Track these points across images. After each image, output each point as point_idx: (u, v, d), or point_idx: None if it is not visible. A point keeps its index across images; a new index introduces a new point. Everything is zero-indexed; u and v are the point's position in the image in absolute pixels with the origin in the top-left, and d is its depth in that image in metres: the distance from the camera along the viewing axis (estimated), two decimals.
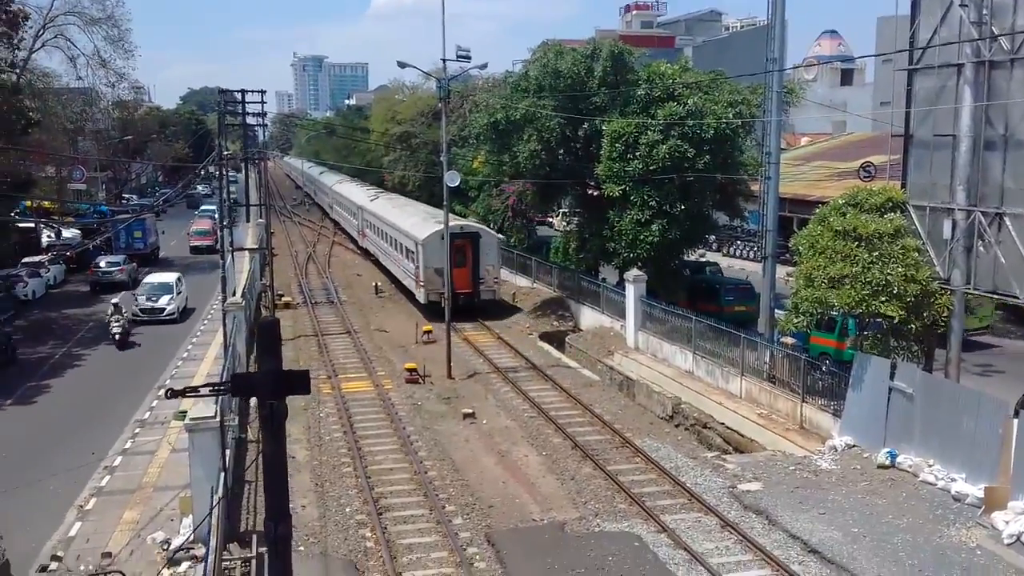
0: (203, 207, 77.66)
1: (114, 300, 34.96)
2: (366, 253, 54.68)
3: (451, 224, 33.22)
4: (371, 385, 27.75)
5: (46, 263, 45.88)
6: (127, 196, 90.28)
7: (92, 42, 55.18)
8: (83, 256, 50.55)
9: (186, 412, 18.31)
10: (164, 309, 37.75)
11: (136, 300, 38.11)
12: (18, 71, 46.68)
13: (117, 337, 33.12)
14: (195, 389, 7.11)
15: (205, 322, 37.44)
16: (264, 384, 6.84)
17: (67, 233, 59.41)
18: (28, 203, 54.97)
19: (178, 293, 39.01)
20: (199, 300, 41.44)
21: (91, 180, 76.60)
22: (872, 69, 76.12)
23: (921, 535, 16.06)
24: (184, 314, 38.94)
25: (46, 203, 57.62)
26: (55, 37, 53.24)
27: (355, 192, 63.00)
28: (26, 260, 46.00)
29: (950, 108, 20.67)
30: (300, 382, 7.09)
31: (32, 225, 54.57)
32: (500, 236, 40.95)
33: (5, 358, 30.78)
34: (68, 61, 54.52)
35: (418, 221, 41.05)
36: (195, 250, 58.36)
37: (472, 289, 36.98)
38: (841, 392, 20.99)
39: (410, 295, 40.04)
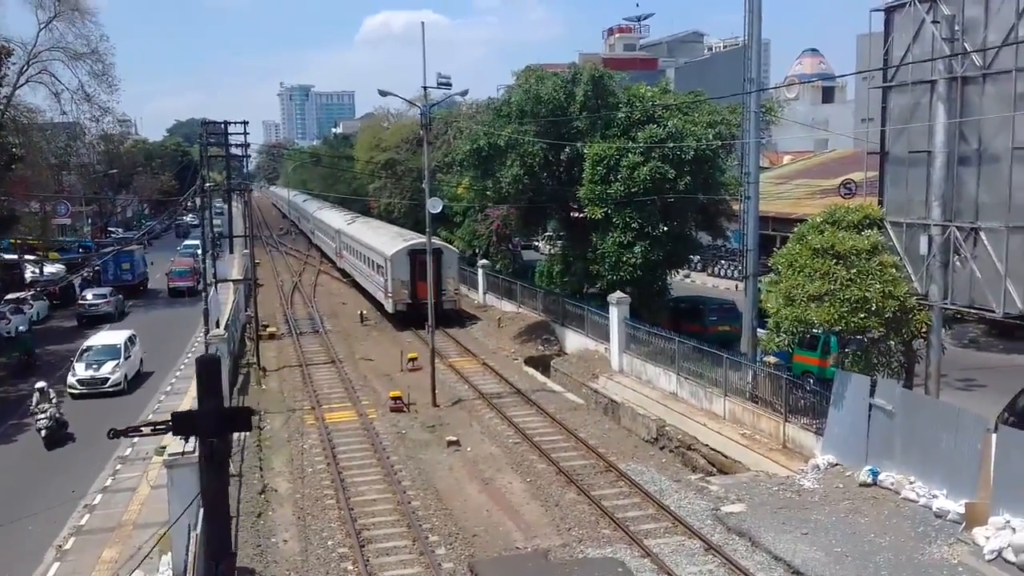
0: (186, 243, 74.08)
1: (39, 384, 26.24)
2: (344, 273, 58.95)
3: (415, 241, 41.14)
4: (355, 415, 27.60)
5: (29, 299, 45.63)
6: (113, 229, 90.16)
7: (76, 77, 55.29)
8: (67, 291, 50.42)
9: (166, 447, 18.18)
10: (107, 379, 30.90)
11: (74, 369, 31.37)
12: (1, 107, 46.69)
13: (43, 433, 25.33)
14: (137, 428, 7.09)
15: (172, 383, 32.22)
16: (205, 422, 6.81)
17: (51, 268, 59.23)
18: (12, 240, 54.77)
19: (126, 358, 32.06)
20: (167, 352, 36.40)
21: (76, 214, 76.57)
22: (853, 87, 76.81)
23: (904, 553, 15.99)
24: (136, 381, 32.56)
25: (30, 239, 57.35)
26: (39, 73, 53.27)
27: (334, 217, 66.77)
28: (9, 296, 45.79)
29: (924, 125, 20.82)
30: (241, 420, 7.08)
31: (15, 261, 54.37)
32: (457, 251, 44.69)
33: (27, 362, 34.99)
34: (52, 96, 54.52)
35: (387, 239, 45.73)
36: (175, 292, 53.61)
37: (435, 299, 36.37)
38: (823, 410, 20.97)
39: (390, 317, 43.15)
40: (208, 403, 6.84)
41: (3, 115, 46.20)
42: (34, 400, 25.80)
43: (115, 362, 31.40)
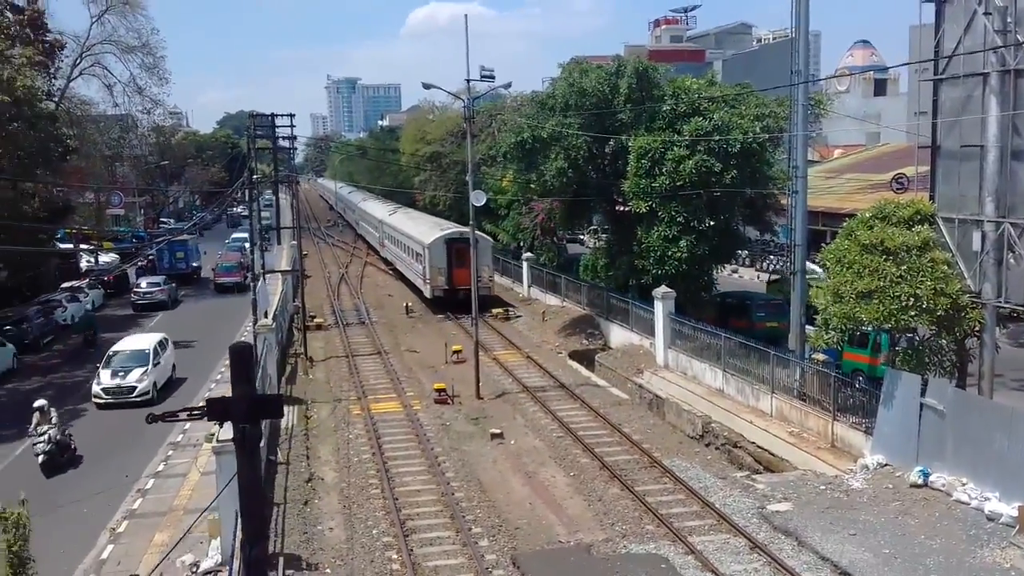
0: (234, 235, 72.02)
1: (38, 403, 23.25)
2: (386, 262, 60.76)
3: (451, 231, 44.36)
4: (400, 406, 27.86)
5: (85, 288, 46.77)
6: (165, 220, 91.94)
7: (128, 70, 56.63)
8: (121, 280, 51.63)
9: (215, 434, 18.56)
10: (134, 388, 28.41)
11: (99, 376, 29.06)
12: (56, 99, 47.85)
13: (41, 459, 22.34)
14: (174, 414, 7.35)
15: (209, 391, 29.71)
16: (237, 408, 7.03)
17: (105, 258, 60.59)
18: (68, 230, 56.16)
19: (155, 364, 29.56)
20: (211, 349, 34.63)
21: (129, 205, 78.23)
22: (906, 79, 75.32)
23: (954, 556, 15.72)
24: (167, 389, 30.26)
25: (85, 229, 58.74)
26: (92, 65, 54.68)
27: (377, 208, 69.56)
28: (65, 285, 46.99)
29: (977, 118, 20.37)
30: (273, 407, 7.31)
31: (71, 250, 55.75)
32: (491, 240, 47.09)
33: (89, 340, 37.37)
34: (105, 88, 56.02)
35: (426, 229, 48.16)
36: (221, 288, 51.82)
37: (469, 285, 38.53)
38: (873, 409, 20.64)
39: (429, 303, 45.58)
40: (240, 389, 7.05)
41: (57, 107, 47.38)
42: (33, 421, 22.84)
43: (143, 369, 28.96)
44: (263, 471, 20.46)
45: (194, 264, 57.62)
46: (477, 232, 43.60)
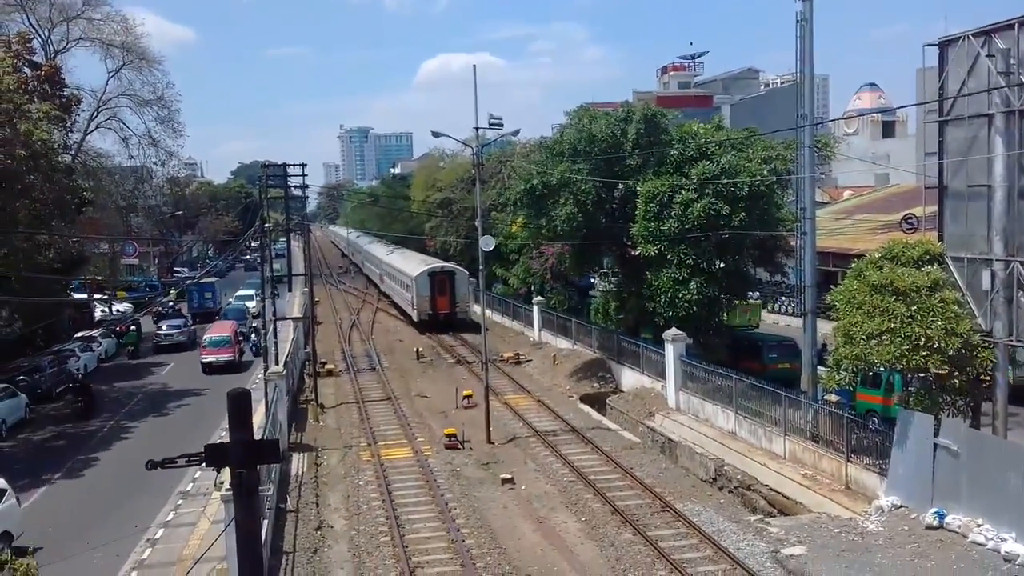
0: (238, 294, 64.65)
1: None
2: (384, 295, 68.93)
3: (434, 266, 54.00)
4: (410, 451, 27.74)
5: (98, 337, 47.04)
6: (178, 269, 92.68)
7: (143, 123, 57.63)
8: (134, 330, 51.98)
9: (224, 482, 18.52)
10: None
11: None
12: (72, 152, 48.63)
13: None
14: (173, 460, 7.39)
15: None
16: (234, 454, 7.06)
17: (119, 307, 61.03)
18: (82, 280, 56.70)
19: None
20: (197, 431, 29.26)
21: (143, 254, 78.97)
22: (915, 120, 75.70)
23: None
24: None
25: (99, 279, 59.26)
26: (108, 119, 55.74)
27: (379, 250, 78.28)
28: (79, 334, 47.30)
29: (983, 158, 20.45)
30: (270, 451, 7.34)
31: (85, 300, 56.21)
32: (467, 272, 53.19)
33: (85, 406, 35.04)
34: (121, 141, 56.99)
35: (414, 265, 57.10)
36: (209, 369, 41.93)
37: (449, 310, 52.34)
38: (887, 450, 20.44)
39: (416, 325, 54.26)
40: (237, 435, 7.09)
41: (74, 159, 48.14)
42: None
43: None
44: (273, 519, 20.44)
45: (219, 302, 63.53)
46: (453, 265, 54.87)
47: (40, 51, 51.00)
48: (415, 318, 53.08)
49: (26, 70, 44.42)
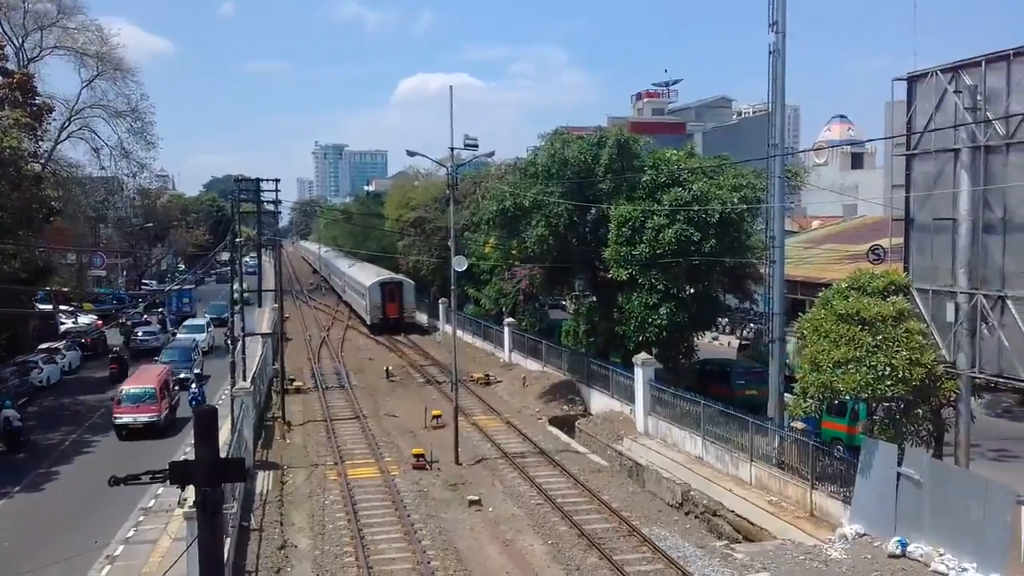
0: (186, 324, 56.50)
1: None
2: (344, 303, 76.77)
3: (384, 277, 63.27)
4: (378, 471, 27.56)
5: (62, 349, 46.37)
6: (147, 281, 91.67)
7: (116, 133, 57.15)
8: (99, 342, 51.32)
9: (187, 499, 18.26)
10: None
11: None
12: (42, 161, 48.09)
13: None
14: (136, 476, 7.37)
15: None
16: (199, 471, 7.04)
17: (85, 319, 60.24)
18: (48, 291, 55.96)
19: None
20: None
21: (111, 266, 78.11)
22: (883, 153, 77.04)
23: None
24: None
25: (65, 290, 58.50)
26: (80, 129, 55.21)
27: (342, 263, 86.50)
28: (42, 346, 46.60)
29: (948, 192, 20.86)
30: (235, 470, 7.33)
31: (50, 311, 55.40)
32: (413, 283, 62.79)
33: (13, 441, 31.47)
34: (92, 152, 56.44)
35: (368, 276, 65.65)
36: (125, 433, 32.09)
37: (398, 315, 60.85)
38: (851, 478, 20.62)
39: (370, 328, 62.50)
40: (203, 452, 7.07)
41: (43, 168, 47.60)
42: None
43: None
44: (235, 537, 20.18)
45: (195, 307, 70.35)
46: (401, 276, 64.03)
47: (13, 58, 50.49)
48: (368, 321, 61.51)
49: None
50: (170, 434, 32.74)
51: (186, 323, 56.90)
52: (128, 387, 33.45)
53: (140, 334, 53.21)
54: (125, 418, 32.30)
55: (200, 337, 51.02)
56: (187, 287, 75.53)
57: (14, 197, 36.27)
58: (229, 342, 33.75)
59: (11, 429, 31.62)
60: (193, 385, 37.40)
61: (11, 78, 45.28)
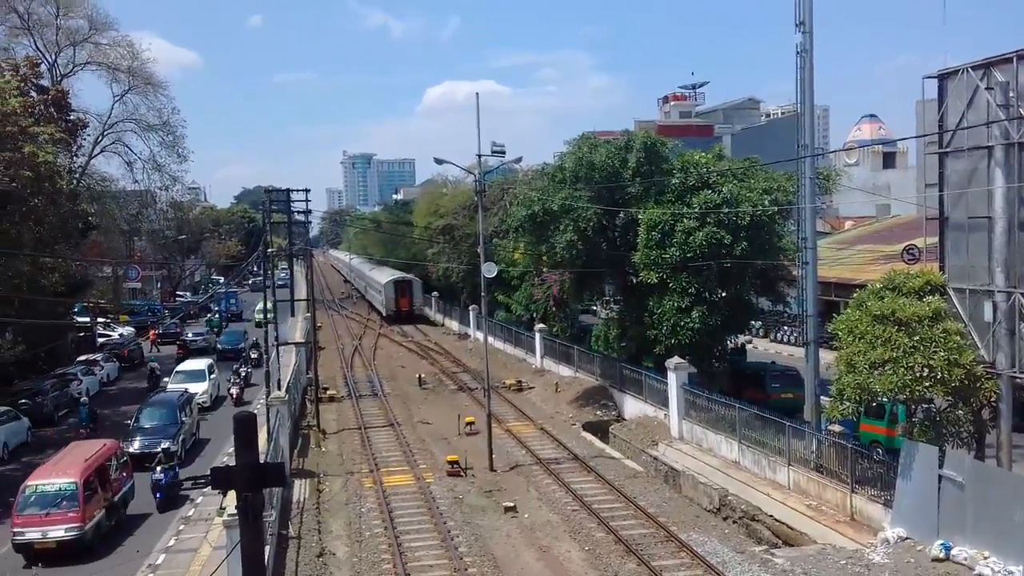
0: (180, 368, 41.96)
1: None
2: (367, 301, 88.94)
3: (397, 276, 76.42)
4: (413, 478, 27.66)
5: (100, 361, 47.05)
6: (181, 293, 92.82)
7: (148, 147, 57.93)
8: (135, 353, 52.06)
9: (226, 508, 18.46)
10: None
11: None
12: (77, 176, 48.91)
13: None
14: (180, 483, 7.52)
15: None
16: (240, 477, 7.13)
17: (121, 331, 61.15)
18: (86, 303, 56.84)
19: (182, 422, 31.45)
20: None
21: (146, 279, 79.29)
22: (915, 152, 76.08)
23: None
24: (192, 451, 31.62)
25: (102, 303, 59.39)
26: (113, 143, 56.06)
27: (365, 266, 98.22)
28: (81, 358, 47.31)
29: (983, 190, 20.59)
30: (275, 475, 7.42)
31: (88, 324, 56.29)
32: (420, 281, 75.04)
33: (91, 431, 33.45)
34: (125, 165, 57.27)
35: (384, 275, 79.03)
36: (30, 554, 21.30)
37: (408, 308, 73.59)
38: (891, 481, 20.38)
39: (385, 319, 75.69)
40: (244, 458, 7.16)
41: (78, 183, 48.39)
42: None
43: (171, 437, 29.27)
44: (275, 545, 20.36)
45: (240, 308, 79.39)
46: (411, 276, 75.77)
47: (47, 75, 51.43)
48: (384, 313, 74.71)
49: (33, 94, 44.78)
50: (103, 553, 21.99)
51: (182, 365, 42.50)
52: (36, 481, 22.07)
53: (190, 335, 57.69)
54: (30, 533, 21.08)
55: (198, 388, 38.16)
56: (232, 290, 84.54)
57: (51, 212, 36.89)
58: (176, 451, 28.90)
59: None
60: (159, 468, 25.25)
61: (46, 94, 46.11)
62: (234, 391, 40.02)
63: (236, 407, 35.87)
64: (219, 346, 54.54)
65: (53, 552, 21.09)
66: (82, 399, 37.16)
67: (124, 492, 24.46)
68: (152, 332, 59.40)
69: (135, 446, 28.99)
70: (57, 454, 24.94)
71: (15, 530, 21.19)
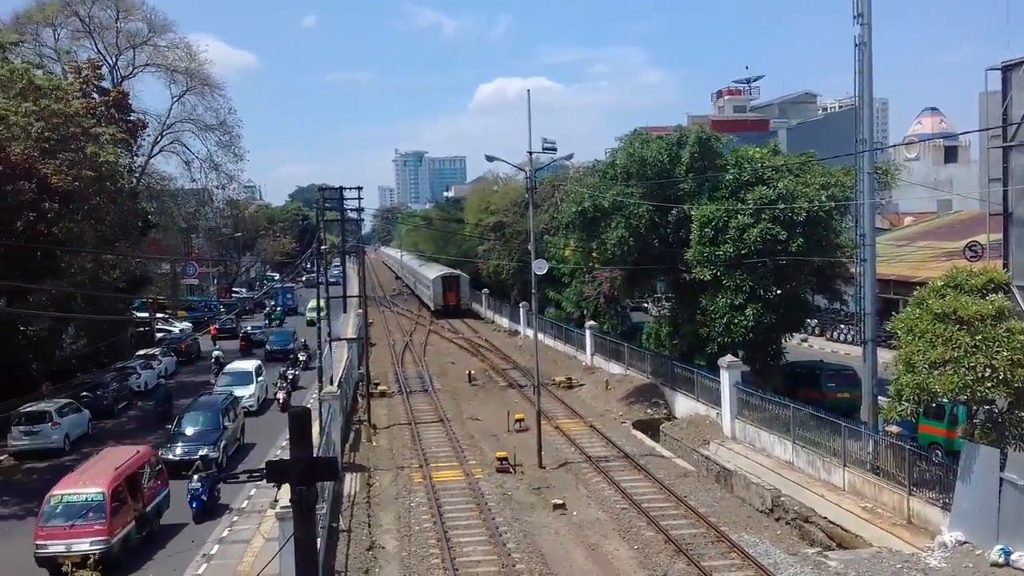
0: (230, 368, 41.00)
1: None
2: (416, 295, 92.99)
3: (445, 272, 77.72)
4: (462, 474, 27.75)
5: (158, 355, 48.15)
6: (237, 289, 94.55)
7: (205, 147, 59.29)
8: (192, 348, 53.20)
9: (279, 500, 18.72)
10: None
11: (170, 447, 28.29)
12: (137, 175, 50.11)
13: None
14: (235, 476, 7.63)
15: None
16: (294, 470, 7.21)
17: (180, 326, 62.54)
18: (145, 299, 58.23)
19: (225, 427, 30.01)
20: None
21: (203, 275, 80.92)
22: (978, 146, 73.99)
23: None
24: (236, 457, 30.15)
25: (161, 299, 60.83)
26: (172, 143, 57.49)
27: (415, 262, 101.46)
28: (140, 352, 48.48)
29: None
30: (328, 469, 7.52)
31: (147, 319, 57.64)
32: (468, 277, 76.84)
33: (164, 410, 36.25)
34: (183, 165, 58.68)
35: (433, 271, 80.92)
36: (52, 567, 20.01)
37: (456, 303, 75.37)
38: (950, 484, 19.82)
39: (433, 313, 77.69)
40: (298, 452, 7.24)
41: (138, 182, 49.57)
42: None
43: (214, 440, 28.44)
44: (326, 538, 20.58)
45: (296, 302, 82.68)
46: (459, 272, 77.07)
47: (108, 77, 52.78)
48: (432, 307, 76.03)
49: (95, 95, 46.00)
50: (132, 567, 21.06)
51: (229, 367, 41.07)
52: (62, 491, 20.99)
53: (250, 328, 60.26)
54: (53, 546, 20.00)
55: (245, 392, 36.88)
56: (288, 284, 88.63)
57: (112, 210, 37.84)
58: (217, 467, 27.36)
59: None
60: (195, 477, 24.41)
61: (107, 96, 47.35)
62: (281, 396, 38.48)
63: (283, 412, 34.95)
64: (268, 347, 52.45)
65: (77, 566, 19.26)
66: (160, 380, 43.49)
67: (158, 502, 23.31)
68: (213, 328, 60.58)
69: (176, 453, 27.83)
70: (86, 462, 23.79)
71: (37, 543, 20.02)
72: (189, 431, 29.40)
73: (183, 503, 24.23)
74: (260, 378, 39.69)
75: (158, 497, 23.40)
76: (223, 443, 29.07)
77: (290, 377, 41.12)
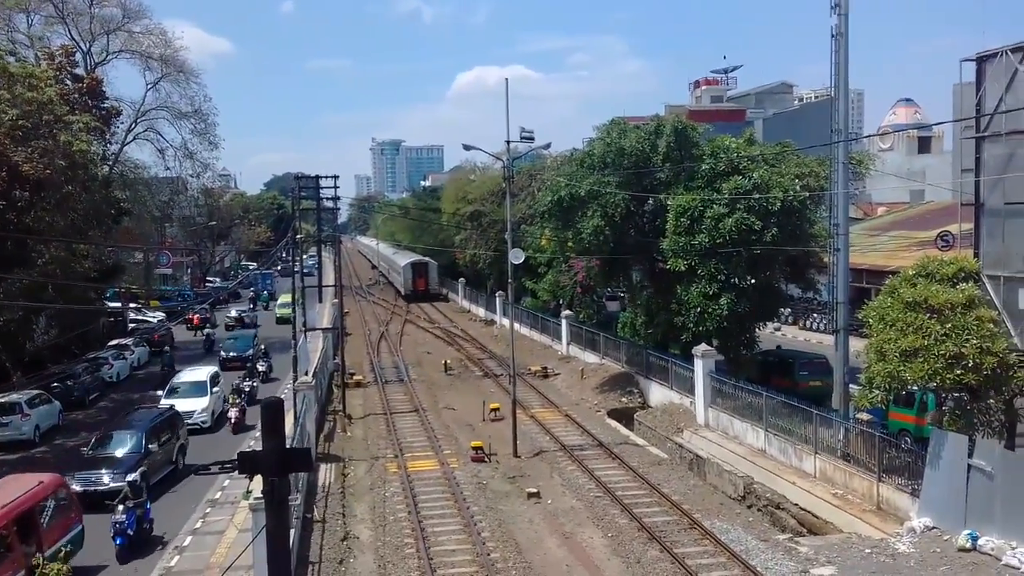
0: (177, 380, 35.39)
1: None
2: (388, 281, 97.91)
3: (415, 259, 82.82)
4: (437, 464, 27.74)
5: (130, 345, 47.67)
6: (211, 279, 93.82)
7: (180, 135, 58.53)
8: (165, 338, 52.73)
9: (251, 492, 18.61)
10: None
11: None
12: (110, 163, 49.46)
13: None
14: (207, 467, 7.53)
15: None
16: (267, 461, 7.16)
17: (152, 316, 61.97)
18: (117, 289, 57.59)
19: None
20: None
21: (176, 264, 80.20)
22: (951, 136, 74.68)
23: None
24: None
25: (134, 288, 60.17)
26: (146, 131, 56.71)
27: (389, 251, 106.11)
28: (112, 343, 47.97)
29: (1022, 175, 20.13)
30: (301, 460, 7.45)
31: (119, 309, 57.03)
32: (436, 264, 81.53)
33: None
34: (157, 153, 57.92)
35: (403, 257, 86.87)
36: None
37: (425, 288, 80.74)
38: (919, 470, 20.10)
39: (404, 298, 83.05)
40: (270, 443, 7.18)
41: (111, 170, 48.93)
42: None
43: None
44: (300, 529, 20.51)
45: (275, 288, 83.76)
46: (427, 259, 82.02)
47: (81, 63, 51.98)
48: (402, 292, 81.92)
49: (68, 82, 45.29)
50: None
51: (178, 377, 35.86)
52: None
53: (234, 313, 63.55)
54: None
55: (197, 406, 32.69)
56: (267, 271, 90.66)
57: (84, 199, 37.33)
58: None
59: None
60: (120, 508, 20.75)
61: (81, 83, 46.64)
62: (233, 414, 31.94)
63: (235, 435, 31.08)
64: (223, 353, 45.67)
65: None
66: (165, 348, 46.67)
67: (66, 540, 19.00)
68: (195, 317, 59.99)
69: (87, 481, 23.42)
70: None
71: None
72: (103, 455, 24.96)
73: (106, 538, 20.59)
74: (216, 389, 34.57)
75: (70, 534, 19.34)
76: (141, 469, 23.29)
77: (246, 390, 35.23)
